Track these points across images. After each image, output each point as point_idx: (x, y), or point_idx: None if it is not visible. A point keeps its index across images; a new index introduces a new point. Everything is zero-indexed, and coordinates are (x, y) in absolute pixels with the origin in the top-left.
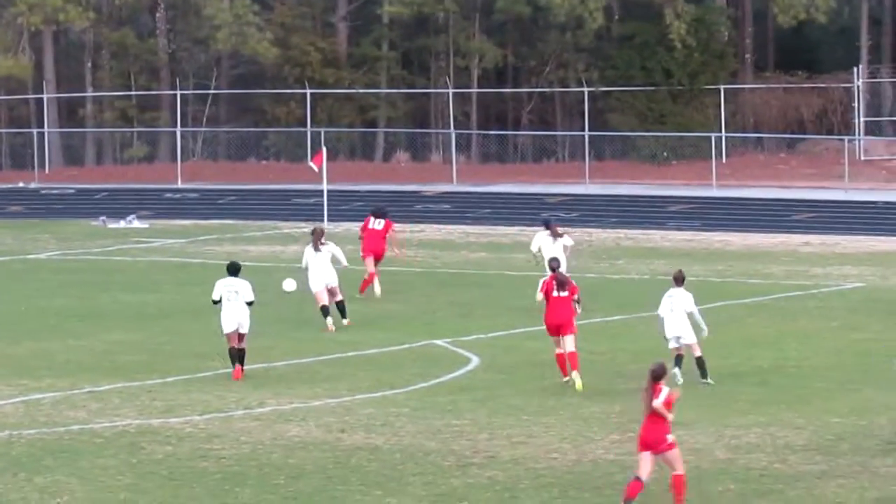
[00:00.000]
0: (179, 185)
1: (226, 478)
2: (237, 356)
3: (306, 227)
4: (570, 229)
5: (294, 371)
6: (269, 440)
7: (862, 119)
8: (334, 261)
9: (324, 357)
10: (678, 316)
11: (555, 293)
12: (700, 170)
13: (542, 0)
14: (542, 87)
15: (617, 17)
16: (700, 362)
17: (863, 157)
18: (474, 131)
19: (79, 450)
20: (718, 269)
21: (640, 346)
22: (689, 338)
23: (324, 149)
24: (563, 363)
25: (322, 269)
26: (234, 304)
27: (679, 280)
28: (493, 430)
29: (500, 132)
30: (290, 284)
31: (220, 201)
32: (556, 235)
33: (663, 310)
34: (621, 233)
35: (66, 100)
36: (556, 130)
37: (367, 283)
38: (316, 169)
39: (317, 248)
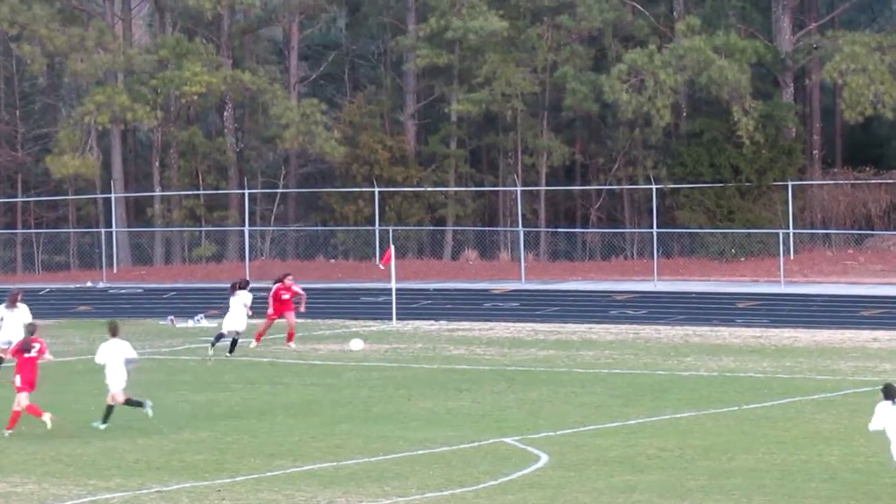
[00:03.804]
0: None
1: None
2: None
3: (375, 326)
4: (637, 326)
5: (363, 469)
6: None
7: None
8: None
9: (393, 455)
10: (113, 365)
11: (27, 354)
12: (768, 266)
13: (609, 98)
14: (610, 185)
15: (685, 114)
16: (110, 409)
17: None
18: (543, 229)
19: None
20: (787, 366)
21: (710, 443)
22: (116, 386)
23: (392, 247)
24: (17, 420)
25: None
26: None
27: (114, 331)
28: None
29: (568, 229)
30: (357, 344)
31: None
32: (13, 306)
33: (101, 358)
34: (689, 329)
35: (134, 199)
36: (624, 228)
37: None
38: (383, 267)
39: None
